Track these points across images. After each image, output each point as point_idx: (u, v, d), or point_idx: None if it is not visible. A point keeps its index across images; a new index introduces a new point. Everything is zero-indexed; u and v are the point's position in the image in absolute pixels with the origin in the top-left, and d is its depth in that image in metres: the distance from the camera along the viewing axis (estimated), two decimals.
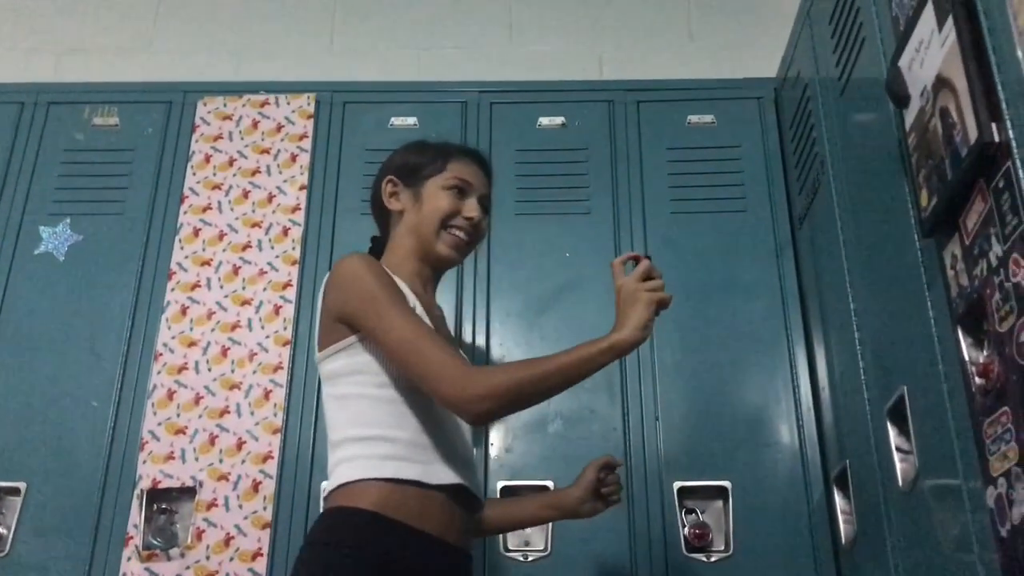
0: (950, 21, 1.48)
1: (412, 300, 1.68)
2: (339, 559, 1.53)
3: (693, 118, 2.73)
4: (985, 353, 1.45)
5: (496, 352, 2.46)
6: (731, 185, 2.65)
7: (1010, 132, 1.34)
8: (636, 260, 1.66)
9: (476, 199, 1.80)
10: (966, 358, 1.48)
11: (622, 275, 1.64)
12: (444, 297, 2.47)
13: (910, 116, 1.66)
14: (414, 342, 1.57)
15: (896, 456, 1.80)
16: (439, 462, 1.62)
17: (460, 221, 1.78)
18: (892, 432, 1.82)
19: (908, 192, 1.70)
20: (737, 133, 2.72)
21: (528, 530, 2.28)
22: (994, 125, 1.36)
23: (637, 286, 1.60)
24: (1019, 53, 1.33)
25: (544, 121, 2.75)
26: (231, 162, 2.70)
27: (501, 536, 2.26)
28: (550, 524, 2.25)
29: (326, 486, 1.66)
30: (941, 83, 1.52)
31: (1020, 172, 1.31)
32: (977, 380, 1.44)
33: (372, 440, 1.62)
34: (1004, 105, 1.36)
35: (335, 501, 1.61)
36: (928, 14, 1.56)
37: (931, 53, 1.56)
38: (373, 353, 1.64)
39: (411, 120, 2.76)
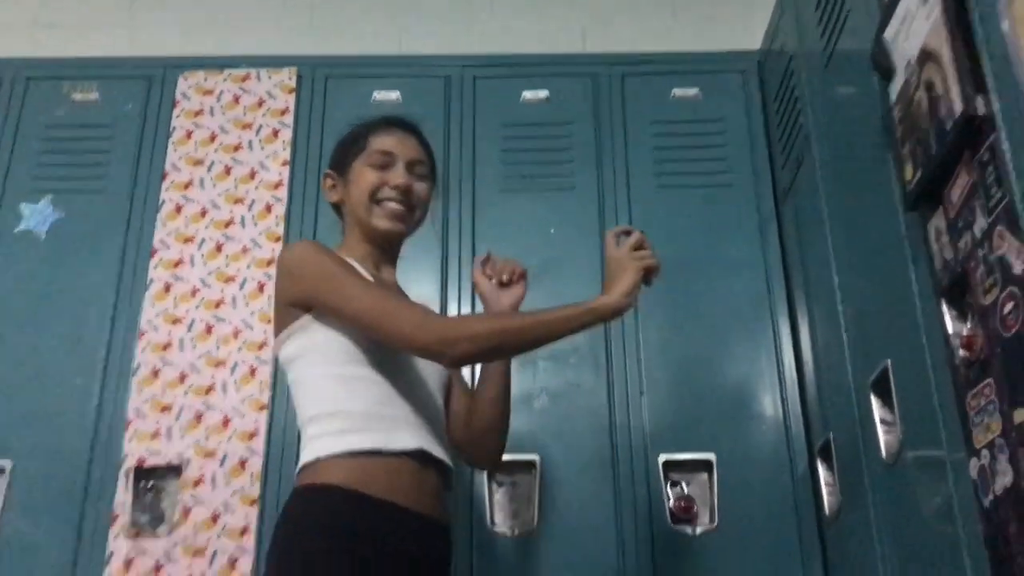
0: None
1: (368, 278, 1.68)
2: (308, 536, 1.54)
3: (678, 91, 2.72)
4: (969, 326, 1.46)
5: None
6: (715, 160, 2.64)
7: (995, 105, 1.34)
8: (628, 234, 1.67)
9: (403, 166, 1.78)
10: (950, 331, 1.49)
11: (614, 246, 1.67)
12: (428, 276, 2.49)
13: (895, 89, 1.66)
14: (380, 303, 1.59)
15: (880, 428, 1.82)
16: (400, 430, 1.62)
17: (387, 191, 1.76)
18: (876, 404, 1.84)
19: (892, 165, 1.70)
20: (721, 106, 2.71)
21: (515, 504, 2.29)
22: (979, 98, 1.37)
23: (628, 254, 1.64)
24: (1004, 25, 1.32)
25: (528, 95, 2.74)
26: (213, 137, 2.68)
27: (488, 511, 2.27)
28: (537, 498, 2.27)
29: (297, 467, 1.66)
30: (926, 56, 1.52)
31: (1005, 145, 1.32)
32: (961, 353, 1.45)
33: (329, 416, 1.62)
34: (989, 77, 1.36)
35: (302, 480, 1.62)
36: None
37: (916, 25, 1.55)
38: (325, 331, 1.64)
39: (394, 95, 2.74)
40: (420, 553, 1.59)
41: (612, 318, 1.61)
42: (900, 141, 1.64)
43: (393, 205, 1.76)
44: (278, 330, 1.70)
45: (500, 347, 1.63)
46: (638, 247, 1.65)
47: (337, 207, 1.85)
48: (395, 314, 1.57)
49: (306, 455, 1.62)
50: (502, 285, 1.84)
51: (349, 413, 1.62)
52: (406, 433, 1.62)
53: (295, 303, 1.65)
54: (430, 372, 1.72)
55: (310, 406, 1.66)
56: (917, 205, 1.60)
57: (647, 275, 1.64)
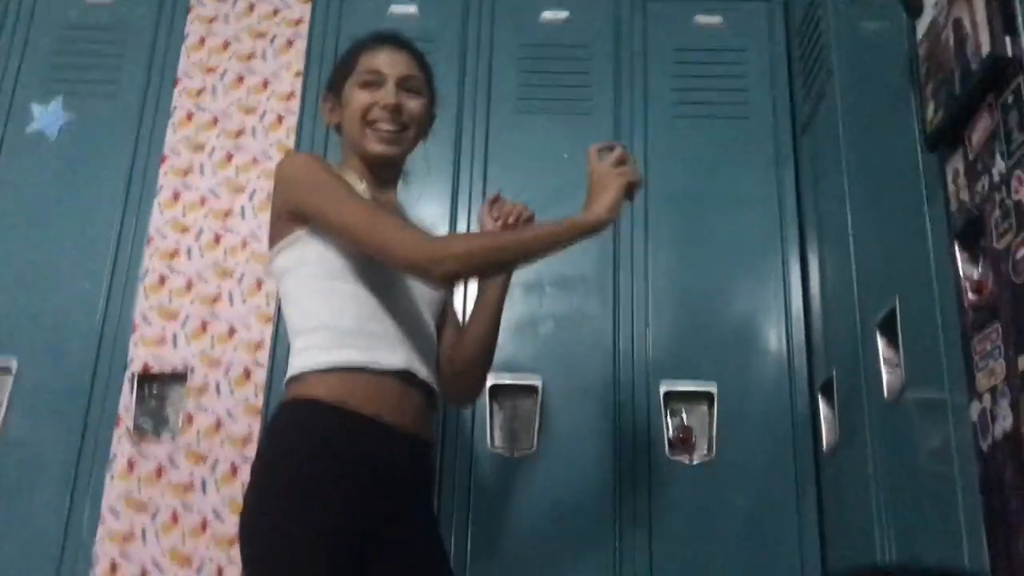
0: None
1: (365, 195, 1.67)
2: (292, 449, 1.55)
3: (701, 18, 2.67)
4: (980, 270, 1.45)
5: None
6: (735, 90, 2.60)
7: None
8: (612, 150, 1.68)
9: (393, 84, 1.74)
10: (961, 274, 1.48)
11: (596, 161, 1.66)
12: (438, 198, 2.47)
13: (922, 26, 1.62)
14: (369, 218, 1.58)
15: (883, 368, 1.82)
16: (386, 348, 1.62)
17: (377, 112, 1.73)
18: (881, 344, 1.84)
19: (914, 104, 1.67)
20: (744, 36, 2.66)
21: (516, 426, 2.31)
22: (1008, 39, 1.34)
23: (610, 170, 1.63)
24: None
25: (547, 15, 2.69)
26: (226, 45, 2.64)
27: (488, 432, 2.29)
28: (537, 422, 2.29)
29: (285, 378, 1.66)
30: None
31: None
32: (970, 296, 1.44)
33: (316, 330, 1.63)
34: (1020, 19, 1.33)
35: (288, 393, 1.63)
36: None
37: None
38: (317, 246, 1.64)
39: (411, 8, 2.69)
40: (402, 469, 1.61)
41: (595, 232, 1.60)
42: (924, 80, 1.61)
43: (384, 126, 1.73)
44: (272, 242, 1.69)
45: (485, 264, 1.63)
46: (620, 163, 1.64)
47: (337, 129, 1.82)
48: (384, 230, 1.57)
49: (293, 368, 1.63)
50: (506, 227, 1.84)
51: (336, 328, 1.62)
52: (392, 352, 1.62)
53: (290, 214, 1.64)
54: (422, 294, 1.71)
55: (298, 320, 1.66)
56: (937, 146, 1.57)
57: (629, 189, 1.63)
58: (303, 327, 1.65)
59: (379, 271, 1.63)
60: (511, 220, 1.85)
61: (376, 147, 1.73)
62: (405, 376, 1.63)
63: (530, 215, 1.87)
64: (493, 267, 1.68)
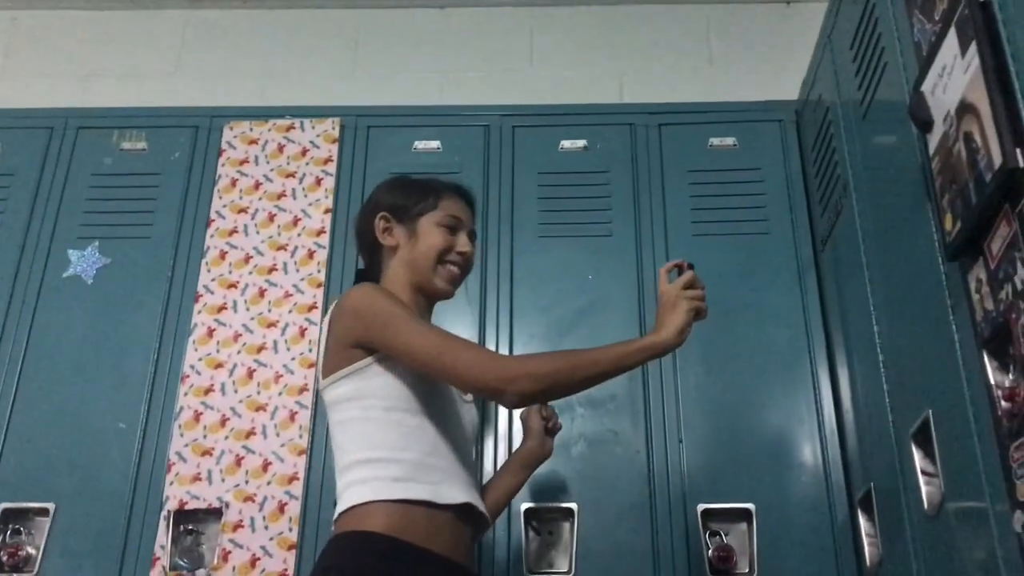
0: (973, 47, 1.49)
1: None
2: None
3: (715, 140, 2.74)
4: (1011, 377, 1.45)
5: None
6: (753, 207, 2.65)
7: None
8: (681, 269, 1.74)
9: (467, 233, 1.87)
10: (992, 382, 1.48)
11: (666, 282, 1.73)
12: (467, 319, 2.51)
13: (934, 140, 1.67)
14: (445, 341, 1.64)
15: (921, 479, 1.80)
16: (448, 482, 1.65)
17: (454, 256, 1.84)
18: (917, 455, 1.82)
19: (932, 216, 1.71)
20: (759, 155, 2.73)
21: (552, 552, 2.29)
22: (1019, 151, 1.37)
23: (679, 293, 1.69)
24: None
25: (566, 144, 2.77)
26: (257, 186, 2.73)
27: (524, 558, 2.27)
28: (574, 546, 2.26)
29: (336, 511, 1.68)
30: (965, 108, 1.53)
31: None
32: (1003, 404, 1.44)
33: (381, 462, 1.64)
34: None
35: (344, 525, 1.63)
36: (951, 40, 1.57)
37: (954, 78, 1.56)
38: (383, 377, 1.68)
39: (434, 144, 2.78)
40: None
41: (664, 354, 1.66)
42: (939, 192, 1.64)
43: (455, 269, 1.84)
44: (331, 370, 1.71)
45: (558, 384, 1.65)
46: (689, 285, 1.70)
47: (375, 248, 1.88)
48: (458, 350, 1.62)
49: (349, 499, 1.64)
50: (547, 431, 1.99)
51: (401, 461, 1.64)
52: (455, 487, 1.66)
53: (359, 343, 1.68)
54: (469, 426, 1.76)
55: (358, 450, 1.67)
56: (957, 256, 1.60)
57: (697, 315, 1.68)
58: (364, 458, 1.66)
59: (441, 405, 1.69)
60: (550, 425, 1.99)
61: (443, 285, 1.83)
62: (465, 510, 1.65)
63: (560, 426, 2.03)
64: (564, 388, 1.69)
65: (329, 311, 1.78)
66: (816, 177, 2.58)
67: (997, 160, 1.40)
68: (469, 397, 1.84)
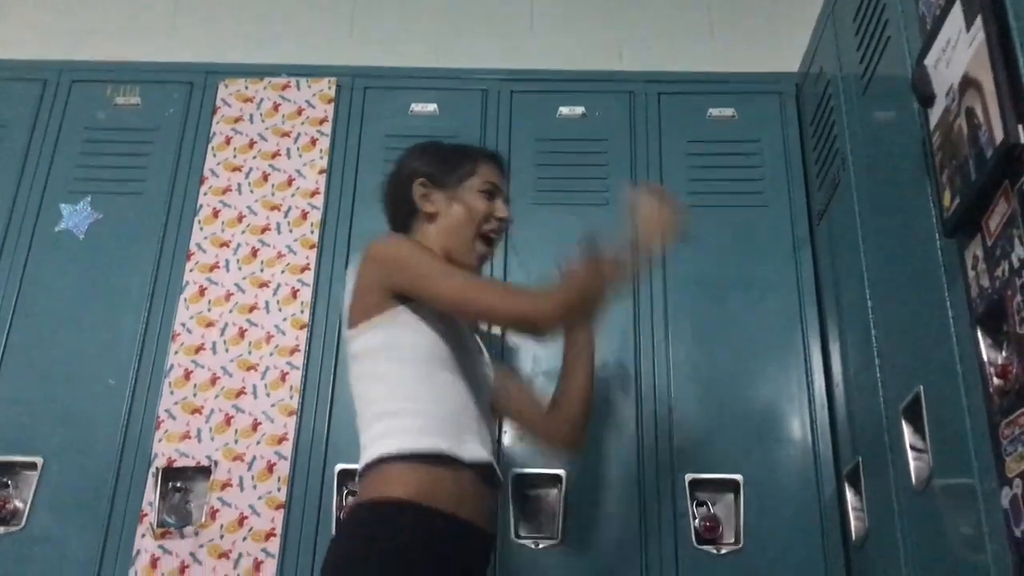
0: (978, 21, 1.48)
1: None
2: (379, 553, 1.55)
3: (714, 111, 2.72)
4: (1004, 354, 1.45)
5: (510, 341, 2.46)
6: (750, 180, 2.64)
7: None
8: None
9: (503, 199, 1.89)
10: (985, 359, 1.48)
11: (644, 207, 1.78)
12: None
13: (935, 115, 1.66)
14: (475, 282, 1.72)
15: (910, 454, 1.81)
16: (473, 441, 1.67)
17: (494, 223, 1.86)
18: (907, 430, 1.83)
19: (930, 192, 1.70)
20: (758, 127, 2.71)
21: (540, 519, 2.30)
22: (1020, 127, 1.36)
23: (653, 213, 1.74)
24: None
25: (564, 111, 2.75)
26: (251, 144, 2.71)
27: (512, 522, 2.27)
28: (562, 513, 2.28)
29: (362, 463, 1.68)
30: (968, 83, 1.52)
31: None
32: (995, 381, 1.44)
33: (411, 414, 1.65)
34: None
35: (372, 488, 1.63)
36: (956, 14, 1.56)
37: (958, 53, 1.55)
38: (413, 328, 1.69)
39: (431, 107, 2.76)
40: (476, 564, 1.66)
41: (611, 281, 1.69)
42: (939, 167, 1.64)
43: (494, 236, 1.87)
44: (359, 319, 1.72)
45: (578, 311, 1.72)
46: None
47: (408, 213, 1.88)
48: (487, 287, 1.73)
49: (373, 452, 1.64)
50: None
51: (429, 414, 1.65)
52: (477, 444, 1.67)
53: (391, 289, 1.69)
54: (488, 388, 1.78)
55: (385, 400, 1.68)
56: (955, 232, 1.59)
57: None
58: (391, 409, 1.67)
59: (469, 363, 1.71)
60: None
61: (483, 249, 1.86)
62: (486, 470, 1.67)
63: None
64: (582, 313, 1.76)
65: (360, 258, 1.77)
66: (814, 151, 2.57)
67: (999, 136, 1.40)
68: (488, 359, 1.86)
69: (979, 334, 1.50)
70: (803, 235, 2.57)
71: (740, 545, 2.25)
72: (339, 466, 2.30)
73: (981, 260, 1.50)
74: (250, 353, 2.45)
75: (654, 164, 2.66)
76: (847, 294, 2.28)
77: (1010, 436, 1.38)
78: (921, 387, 1.76)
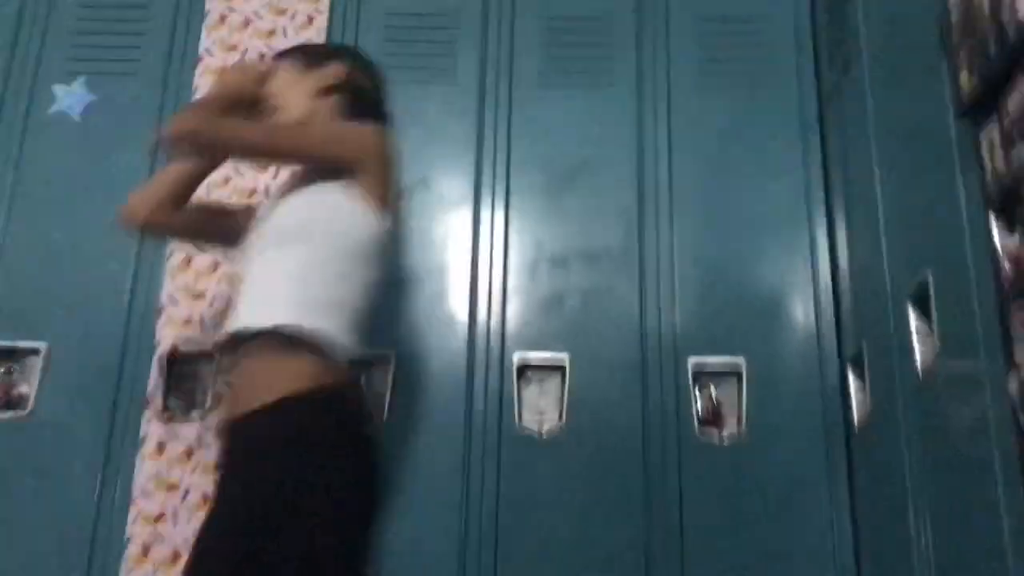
0: None
1: None
2: (327, 450, 1.54)
3: None
4: (1017, 240, 1.42)
5: (515, 225, 2.44)
6: (759, 60, 2.57)
7: None
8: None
9: None
10: (997, 245, 1.45)
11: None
12: (463, 170, 2.45)
13: None
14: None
15: (916, 340, 1.79)
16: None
17: None
18: (913, 316, 1.81)
19: (946, 70, 1.64)
20: (768, 3, 2.62)
21: (543, 403, 2.30)
22: None
23: None
24: None
25: None
26: (246, 23, 2.63)
27: (516, 409, 2.28)
28: (565, 397, 2.28)
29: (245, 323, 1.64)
30: None
31: None
32: (1007, 267, 1.41)
33: (335, 305, 1.65)
34: None
35: (272, 375, 1.57)
36: None
37: None
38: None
39: None
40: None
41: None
42: (956, 46, 1.58)
43: None
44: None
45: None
46: None
47: None
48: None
49: (287, 314, 1.60)
50: None
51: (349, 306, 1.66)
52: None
53: None
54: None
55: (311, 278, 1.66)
56: (971, 113, 1.54)
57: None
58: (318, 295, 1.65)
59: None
60: None
61: None
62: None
63: None
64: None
65: None
66: (826, 27, 2.49)
67: (1022, 12, 1.34)
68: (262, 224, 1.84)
69: (992, 219, 1.47)
70: (812, 115, 2.51)
71: (742, 430, 2.26)
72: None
73: (997, 143, 1.46)
74: None
75: (661, 42, 2.59)
76: (856, 176, 2.24)
77: (1020, 322, 1.36)
78: (930, 272, 1.73)
